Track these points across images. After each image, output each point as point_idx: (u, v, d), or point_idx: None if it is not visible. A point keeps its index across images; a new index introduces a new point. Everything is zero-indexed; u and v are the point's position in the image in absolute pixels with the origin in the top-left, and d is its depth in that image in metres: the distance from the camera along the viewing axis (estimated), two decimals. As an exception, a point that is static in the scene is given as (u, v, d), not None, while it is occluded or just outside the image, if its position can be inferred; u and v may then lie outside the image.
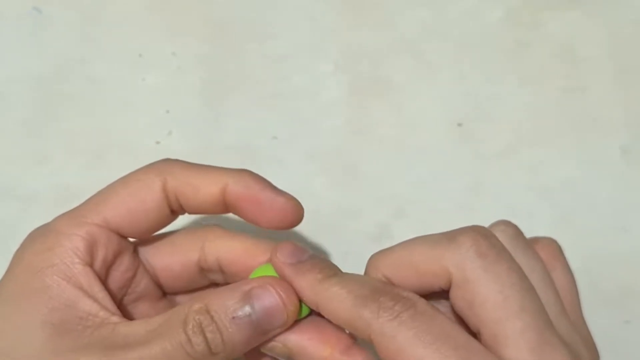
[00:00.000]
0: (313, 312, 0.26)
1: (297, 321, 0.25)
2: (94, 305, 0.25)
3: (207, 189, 0.26)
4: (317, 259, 0.26)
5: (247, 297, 0.24)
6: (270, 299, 0.24)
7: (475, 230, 0.25)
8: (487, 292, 0.24)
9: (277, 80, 0.39)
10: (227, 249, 0.28)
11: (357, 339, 0.25)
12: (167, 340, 0.23)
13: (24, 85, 0.38)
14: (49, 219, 0.27)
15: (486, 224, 0.27)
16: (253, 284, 0.25)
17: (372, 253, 0.26)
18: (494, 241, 0.25)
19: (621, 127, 0.38)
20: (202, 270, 0.28)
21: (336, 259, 0.32)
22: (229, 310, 0.24)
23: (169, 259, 0.28)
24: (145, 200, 0.26)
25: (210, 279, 0.29)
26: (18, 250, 0.26)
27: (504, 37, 0.40)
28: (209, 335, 0.24)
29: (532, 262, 0.27)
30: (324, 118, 0.38)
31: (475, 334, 0.24)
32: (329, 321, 0.25)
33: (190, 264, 0.28)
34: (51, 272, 0.25)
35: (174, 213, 0.27)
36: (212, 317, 0.24)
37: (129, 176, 0.27)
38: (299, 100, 0.39)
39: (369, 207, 0.37)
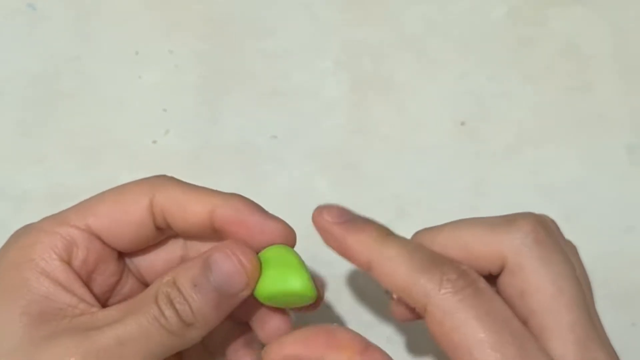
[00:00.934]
0: (319, 301, 0.26)
1: (308, 329, 0.25)
2: (73, 299, 0.25)
3: (195, 209, 0.26)
4: (368, 218, 0.25)
5: (206, 264, 0.24)
6: (227, 263, 0.24)
7: (534, 217, 0.25)
8: (541, 282, 0.23)
9: (277, 78, 0.39)
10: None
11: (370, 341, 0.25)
12: (141, 316, 0.24)
13: (18, 84, 0.38)
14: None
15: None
16: (212, 251, 0.25)
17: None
18: (551, 230, 0.25)
19: (626, 126, 0.38)
20: None
21: (336, 262, 0.32)
22: (191, 279, 0.24)
23: (152, 257, 0.28)
24: (129, 212, 0.26)
25: None
26: (2, 248, 0.26)
27: (507, 35, 0.40)
28: (178, 306, 0.24)
29: (572, 258, 0.26)
30: (324, 117, 0.38)
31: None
32: (339, 327, 0.25)
33: (175, 261, 0.28)
34: (29, 266, 0.25)
35: (161, 231, 0.27)
36: (178, 288, 0.24)
37: (119, 187, 0.27)
38: (299, 98, 0.38)
39: (370, 207, 0.36)
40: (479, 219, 0.26)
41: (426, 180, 0.37)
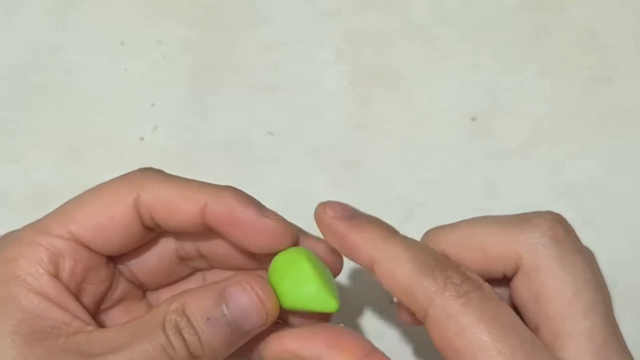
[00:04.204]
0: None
1: (312, 327, 0.25)
2: (66, 315, 0.24)
3: (184, 208, 0.25)
4: (373, 216, 0.26)
5: (221, 297, 0.24)
6: (245, 299, 0.24)
7: (552, 215, 0.24)
8: (558, 285, 0.23)
9: (272, 69, 0.38)
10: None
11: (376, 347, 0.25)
12: (148, 343, 0.23)
13: (-6, 76, 0.38)
14: (21, 221, 0.27)
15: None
16: (228, 283, 0.25)
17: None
18: (570, 229, 0.24)
19: (650, 121, 0.38)
20: (182, 259, 0.28)
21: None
22: (204, 311, 0.24)
23: (144, 256, 0.27)
24: (114, 216, 0.25)
25: (192, 267, 0.28)
26: None
27: (522, 23, 0.39)
28: (187, 337, 0.24)
29: (592, 261, 0.26)
30: (324, 111, 0.38)
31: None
32: (345, 328, 0.25)
33: (169, 256, 0.28)
34: (16, 283, 0.24)
35: (150, 230, 0.26)
36: (188, 318, 0.24)
37: (100, 187, 0.26)
38: (297, 91, 0.38)
39: (373, 209, 0.35)
40: (492, 217, 0.26)
41: (434, 180, 0.37)
